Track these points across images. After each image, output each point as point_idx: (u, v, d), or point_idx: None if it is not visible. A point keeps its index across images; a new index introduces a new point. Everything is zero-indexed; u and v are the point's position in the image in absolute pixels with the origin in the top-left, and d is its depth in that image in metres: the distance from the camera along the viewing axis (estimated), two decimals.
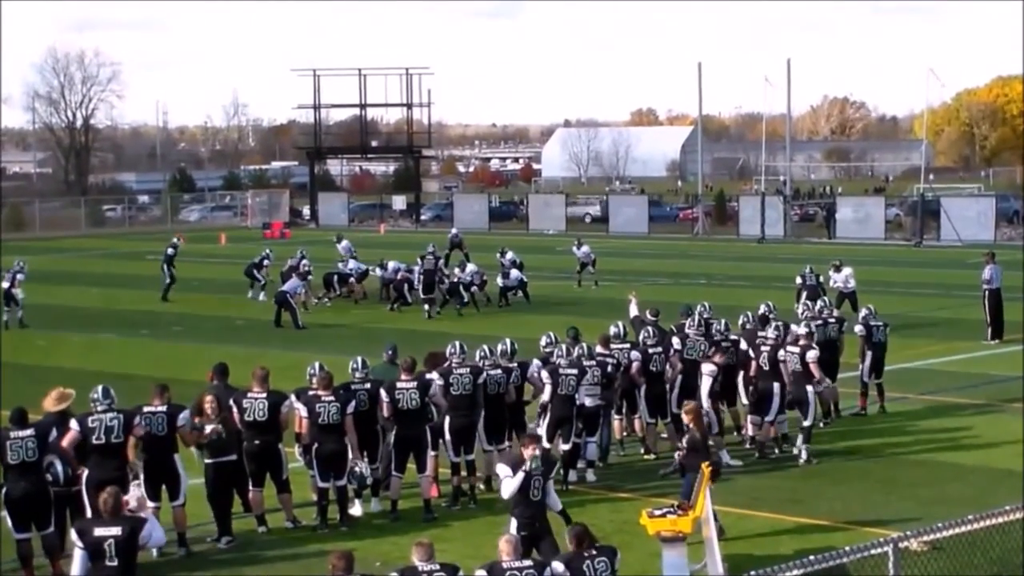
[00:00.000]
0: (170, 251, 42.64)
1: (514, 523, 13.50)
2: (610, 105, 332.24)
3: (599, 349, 19.58)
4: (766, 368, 20.06)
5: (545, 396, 18.35)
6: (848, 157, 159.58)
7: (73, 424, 15.09)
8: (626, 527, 15.64)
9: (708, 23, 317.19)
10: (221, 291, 43.62)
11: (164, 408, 15.57)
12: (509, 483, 13.59)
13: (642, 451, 20.13)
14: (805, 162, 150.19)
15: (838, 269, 34.21)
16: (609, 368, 19.29)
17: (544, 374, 18.39)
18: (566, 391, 18.33)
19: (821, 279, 32.58)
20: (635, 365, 19.91)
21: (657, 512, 13.85)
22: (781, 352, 19.88)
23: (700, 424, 15.70)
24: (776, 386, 19.86)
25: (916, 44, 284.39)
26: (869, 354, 22.79)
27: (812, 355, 19.75)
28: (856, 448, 20.62)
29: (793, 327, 20.78)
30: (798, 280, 32.18)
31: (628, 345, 20.16)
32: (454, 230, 54.90)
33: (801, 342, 19.95)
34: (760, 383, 20.17)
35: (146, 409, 15.61)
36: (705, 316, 22.00)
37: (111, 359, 30.08)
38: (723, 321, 21.73)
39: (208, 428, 15.79)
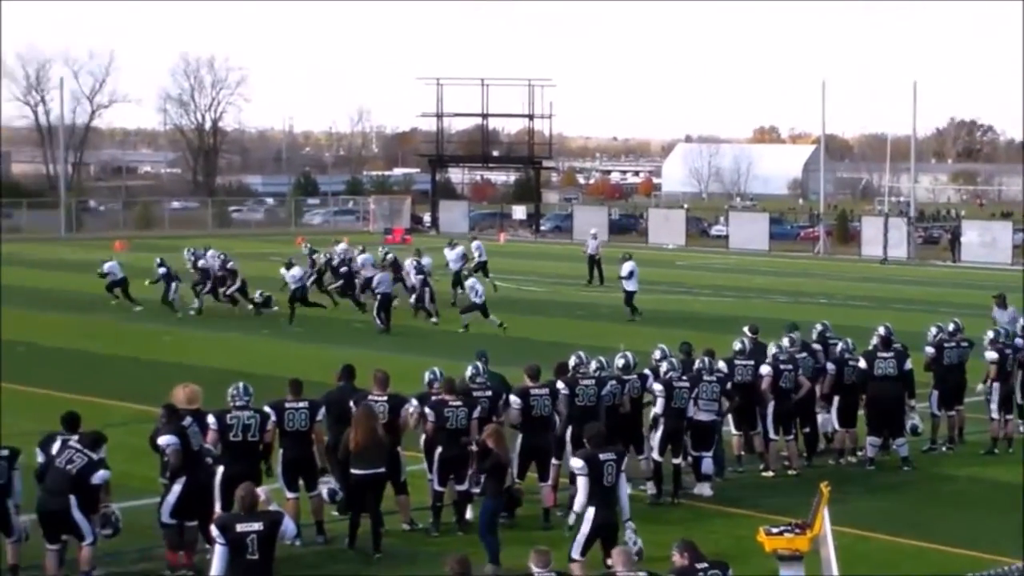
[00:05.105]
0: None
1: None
2: (732, 122, 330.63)
3: (722, 364, 19.57)
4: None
5: (658, 409, 18.33)
6: (975, 180, 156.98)
7: (211, 422, 15.42)
8: (742, 543, 15.56)
9: (834, 42, 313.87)
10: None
11: (305, 404, 16.13)
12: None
13: (761, 467, 20.00)
14: (930, 184, 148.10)
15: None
16: (729, 384, 19.25)
17: (657, 387, 18.38)
18: (679, 404, 18.32)
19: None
20: (765, 380, 19.81)
21: (774, 530, 13.74)
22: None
23: (503, 446, 15.59)
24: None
25: None
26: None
27: None
28: (981, 475, 20.28)
29: None
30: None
31: (752, 361, 20.07)
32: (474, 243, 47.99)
33: None
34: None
35: (287, 405, 16.04)
36: (827, 335, 21.91)
37: (233, 357, 30.51)
38: (849, 340, 21.59)
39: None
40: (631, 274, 38.59)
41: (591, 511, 13.91)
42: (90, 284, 39.70)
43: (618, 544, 13.51)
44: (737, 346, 20.46)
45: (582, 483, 14.00)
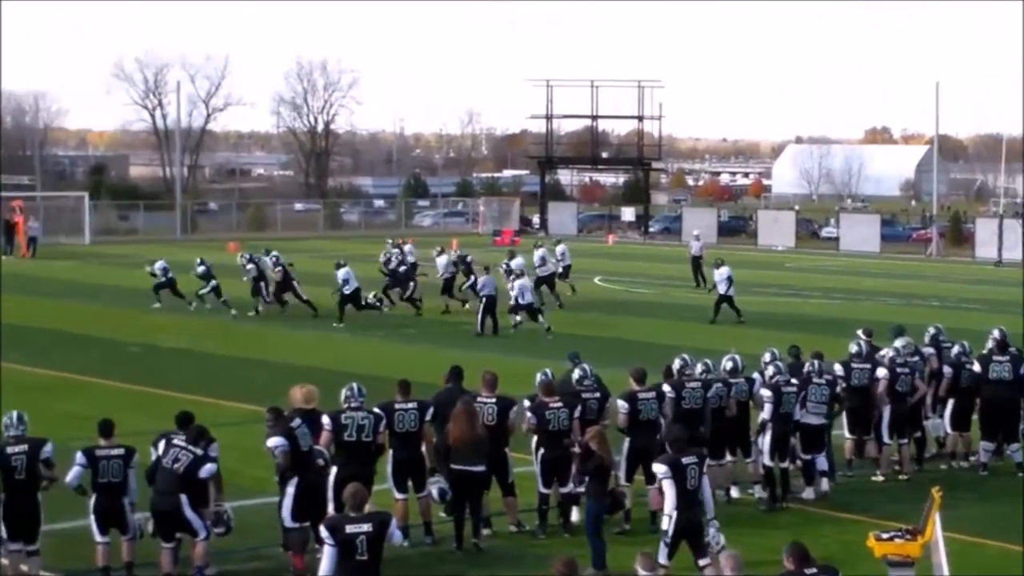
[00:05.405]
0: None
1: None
2: (843, 123, 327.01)
3: (837, 367, 19.43)
4: None
5: (765, 414, 18.20)
6: None
7: (326, 422, 15.58)
8: (851, 548, 15.44)
9: (947, 42, 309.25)
10: None
11: (414, 405, 16.23)
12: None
13: (878, 471, 19.75)
14: None
15: None
16: (839, 387, 19.10)
17: (766, 392, 18.24)
18: (787, 409, 18.20)
19: None
20: (881, 383, 19.59)
21: (885, 535, 13.63)
22: None
23: (606, 448, 15.49)
24: None
25: None
26: None
27: None
28: None
29: None
30: None
31: (868, 365, 19.87)
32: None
33: None
34: None
35: (397, 406, 16.15)
36: (939, 339, 21.64)
37: (341, 358, 30.71)
38: (965, 343, 21.30)
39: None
40: (729, 280, 38.27)
41: (674, 515, 13.98)
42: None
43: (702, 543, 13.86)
44: (853, 348, 20.21)
45: (668, 486, 14.06)
